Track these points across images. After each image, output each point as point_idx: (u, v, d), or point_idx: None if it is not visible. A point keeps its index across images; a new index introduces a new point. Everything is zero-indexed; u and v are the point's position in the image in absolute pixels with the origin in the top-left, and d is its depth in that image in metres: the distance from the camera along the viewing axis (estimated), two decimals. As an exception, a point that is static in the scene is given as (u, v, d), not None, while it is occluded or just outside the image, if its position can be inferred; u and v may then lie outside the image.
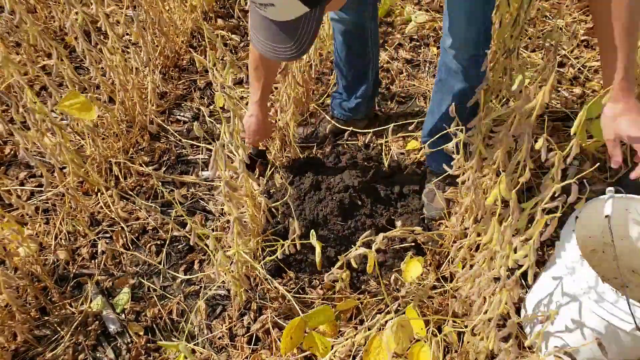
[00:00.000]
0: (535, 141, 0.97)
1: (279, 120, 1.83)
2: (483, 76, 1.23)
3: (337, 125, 1.92)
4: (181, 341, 1.10)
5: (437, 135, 1.39)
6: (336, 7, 1.10)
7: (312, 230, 1.20)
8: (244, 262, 1.35)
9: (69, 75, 1.56)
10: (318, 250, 1.19)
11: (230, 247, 1.29)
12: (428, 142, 1.39)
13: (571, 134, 0.89)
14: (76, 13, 1.52)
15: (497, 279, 1.14)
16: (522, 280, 1.50)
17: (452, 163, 1.38)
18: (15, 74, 1.38)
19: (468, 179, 1.29)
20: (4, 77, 1.97)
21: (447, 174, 1.37)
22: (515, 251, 0.99)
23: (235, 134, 1.13)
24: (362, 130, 1.95)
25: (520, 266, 1.01)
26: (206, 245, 1.51)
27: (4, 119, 1.45)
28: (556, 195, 0.95)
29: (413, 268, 1.22)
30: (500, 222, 1.05)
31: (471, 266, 1.35)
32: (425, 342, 1.13)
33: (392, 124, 2.00)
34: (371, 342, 1.07)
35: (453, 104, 1.12)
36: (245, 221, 1.37)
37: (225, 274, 1.32)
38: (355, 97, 1.87)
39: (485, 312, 1.13)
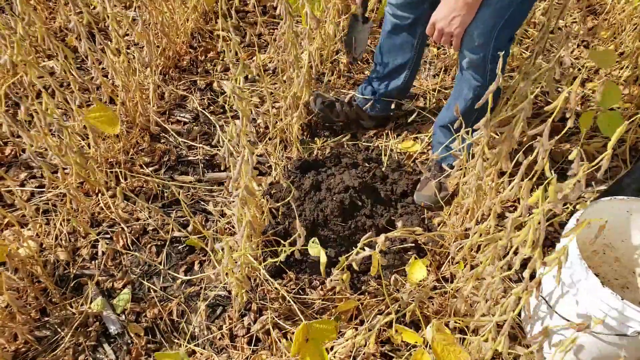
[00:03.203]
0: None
1: (281, 121, 1.83)
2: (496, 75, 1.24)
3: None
4: (177, 342, 1.10)
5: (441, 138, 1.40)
6: None
7: (315, 238, 1.20)
8: (248, 263, 1.35)
9: (72, 75, 1.56)
10: (323, 259, 1.19)
11: (236, 251, 1.29)
12: (435, 134, 1.41)
13: (608, 148, 0.89)
14: (77, 13, 1.52)
15: (503, 280, 1.14)
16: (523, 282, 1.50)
17: (454, 163, 1.38)
18: (34, 77, 1.39)
19: (469, 181, 1.29)
20: (4, 77, 1.97)
21: (447, 173, 1.38)
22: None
23: (242, 135, 1.13)
24: (365, 126, 1.96)
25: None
26: (206, 245, 1.51)
27: (6, 119, 1.45)
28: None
29: (417, 270, 1.22)
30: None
31: (472, 267, 1.35)
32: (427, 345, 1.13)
33: (392, 124, 2.01)
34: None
35: (457, 103, 1.13)
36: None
37: (227, 275, 1.32)
38: (378, 94, 1.88)
39: (494, 314, 1.13)
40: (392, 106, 1.90)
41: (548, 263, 0.97)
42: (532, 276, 1.01)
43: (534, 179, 1.07)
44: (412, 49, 1.74)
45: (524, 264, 1.06)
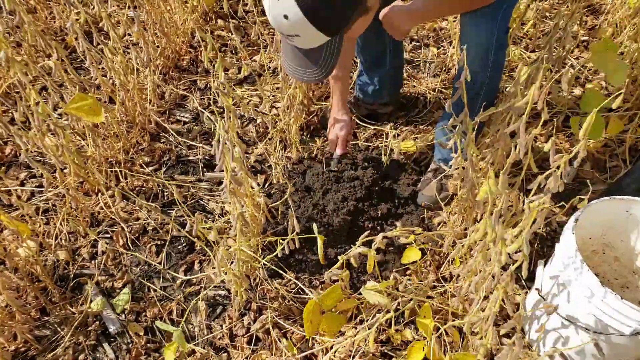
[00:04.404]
0: (535, 140, 0.97)
1: (280, 120, 1.83)
2: (495, 76, 1.26)
3: (360, 113, 2.00)
4: (178, 329, 1.11)
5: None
6: (356, 35, 1.25)
7: (314, 224, 1.20)
8: (245, 260, 1.35)
9: (69, 75, 1.56)
10: (320, 243, 1.19)
11: (231, 246, 1.29)
12: (436, 134, 1.42)
13: (580, 137, 0.89)
14: (77, 13, 1.52)
15: (494, 277, 1.14)
16: (523, 281, 1.50)
17: (450, 163, 1.38)
18: (20, 73, 1.38)
19: (464, 180, 1.29)
20: (4, 77, 1.97)
21: (446, 172, 1.38)
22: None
23: (231, 131, 1.14)
24: (367, 122, 1.96)
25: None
26: (207, 244, 1.51)
27: (4, 119, 1.45)
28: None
29: (412, 254, 1.25)
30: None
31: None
32: (427, 343, 1.13)
33: (392, 124, 2.01)
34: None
35: (450, 101, 1.14)
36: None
37: (225, 272, 1.32)
38: (375, 81, 1.92)
39: (483, 310, 1.14)
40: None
41: (513, 256, 0.98)
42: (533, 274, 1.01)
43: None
44: (383, 32, 1.75)
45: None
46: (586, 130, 0.86)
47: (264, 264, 1.52)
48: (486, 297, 1.19)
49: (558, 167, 0.92)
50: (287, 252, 1.31)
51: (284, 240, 1.29)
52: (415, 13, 1.43)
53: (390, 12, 1.46)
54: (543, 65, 1.08)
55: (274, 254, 1.31)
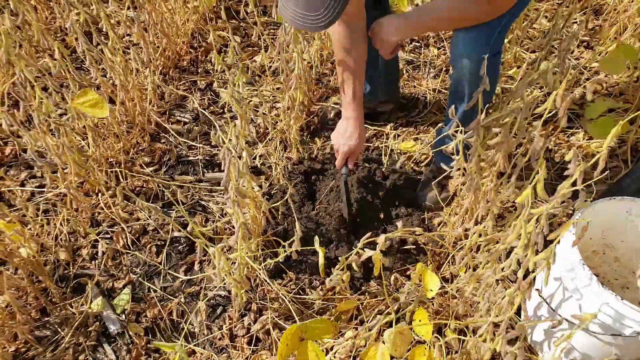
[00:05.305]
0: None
1: (281, 121, 1.83)
2: (491, 80, 1.27)
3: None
4: (177, 342, 1.10)
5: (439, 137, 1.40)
6: None
7: (316, 237, 1.20)
8: (246, 264, 1.35)
9: (70, 74, 1.56)
10: (321, 255, 1.19)
11: (232, 248, 1.29)
12: (435, 140, 1.42)
13: (603, 149, 0.90)
14: (77, 13, 1.52)
15: (499, 280, 1.14)
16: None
17: (451, 164, 1.38)
18: (26, 71, 1.38)
19: (468, 181, 1.28)
20: (5, 77, 1.97)
21: (447, 173, 1.38)
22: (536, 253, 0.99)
23: (241, 137, 1.14)
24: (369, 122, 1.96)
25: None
26: (207, 245, 1.51)
27: (7, 118, 1.45)
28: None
29: (430, 280, 1.21)
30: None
31: (473, 268, 1.35)
32: (428, 346, 1.13)
33: (392, 125, 2.01)
34: (368, 350, 1.06)
35: (453, 106, 1.13)
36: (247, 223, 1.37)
37: (226, 275, 1.33)
38: (369, 82, 1.90)
39: (490, 314, 1.13)
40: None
41: (537, 263, 0.97)
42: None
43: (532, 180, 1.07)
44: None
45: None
46: (610, 141, 0.86)
47: (264, 265, 1.52)
48: (492, 301, 1.19)
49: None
50: (287, 253, 1.31)
51: (285, 244, 1.29)
52: (411, 24, 1.36)
53: (380, 24, 1.38)
54: (555, 70, 1.08)
55: (275, 259, 1.31)
